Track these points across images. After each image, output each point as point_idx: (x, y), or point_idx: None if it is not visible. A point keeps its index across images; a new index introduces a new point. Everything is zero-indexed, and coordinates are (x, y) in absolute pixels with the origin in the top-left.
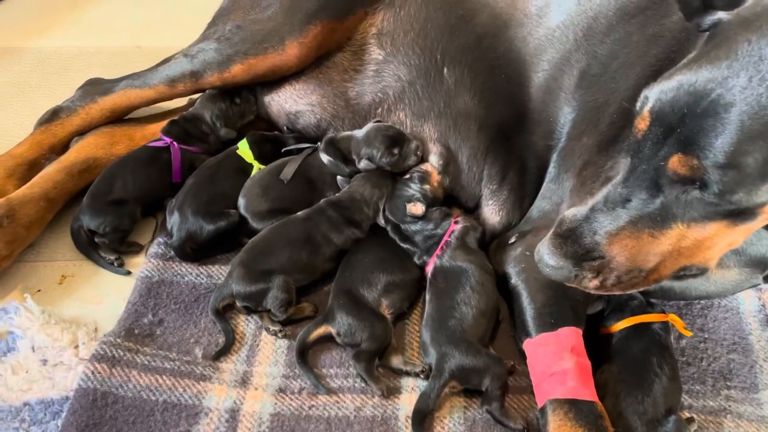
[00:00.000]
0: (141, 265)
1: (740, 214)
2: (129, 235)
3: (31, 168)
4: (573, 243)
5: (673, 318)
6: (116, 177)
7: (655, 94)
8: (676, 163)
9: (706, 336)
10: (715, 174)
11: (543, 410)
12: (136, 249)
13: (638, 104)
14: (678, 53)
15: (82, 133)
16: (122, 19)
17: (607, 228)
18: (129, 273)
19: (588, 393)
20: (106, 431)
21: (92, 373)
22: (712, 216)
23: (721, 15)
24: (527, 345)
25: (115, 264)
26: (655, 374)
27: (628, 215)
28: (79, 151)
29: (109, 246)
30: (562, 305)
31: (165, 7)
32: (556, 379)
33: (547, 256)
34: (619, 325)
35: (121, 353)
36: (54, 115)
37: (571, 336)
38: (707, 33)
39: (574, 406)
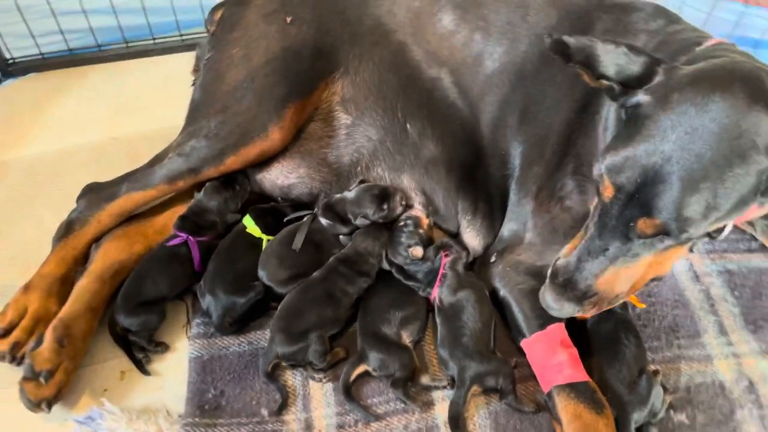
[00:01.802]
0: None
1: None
2: (155, 332)
3: (63, 283)
4: (571, 290)
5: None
6: (145, 278)
7: (609, 168)
8: (643, 226)
9: (653, 300)
10: (672, 225)
11: (550, 394)
12: (163, 349)
13: (596, 174)
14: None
15: (97, 239)
16: (88, 115)
17: (595, 272)
18: (149, 374)
19: (581, 375)
20: None
21: None
22: (671, 247)
23: (640, 97)
24: (524, 344)
25: (143, 361)
26: (624, 346)
27: (608, 260)
28: (104, 259)
29: (138, 344)
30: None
31: (124, 97)
32: (555, 369)
33: (552, 303)
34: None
35: (203, 430)
36: (68, 230)
37: (557, 331)
38: (632, 108)
39: (573, 388)
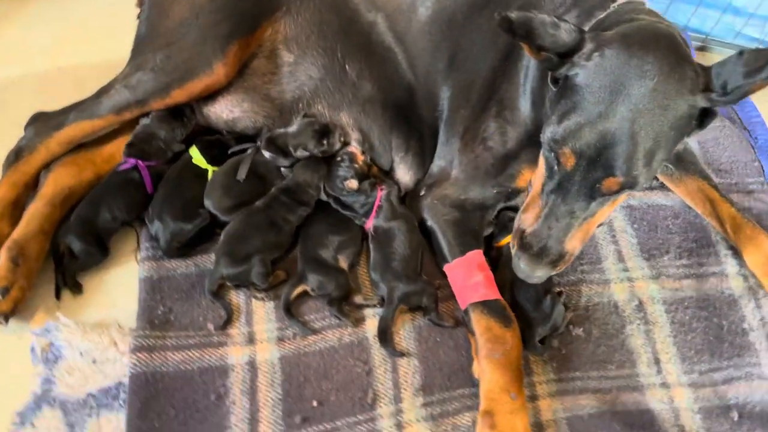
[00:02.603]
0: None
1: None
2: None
3: (14, 207)
4: (546, 256)
5: None
6: (100, 203)
7: (567, 136)
8: (610, 183)
9: None
10: (631, 180)
11: (466, 311)
12: (77, 290)
13: (549, 144)
14: None
15: (47, 166)
16: (32, 43)
17: (565, 236)
18: (59, 299)
19: (494, 294)
20: (162, 400)
21: (138, 362)
22: (624, 194)
23: (577, 65)
24: (446, 268)
25: (59, 286)
26: None
27: (575, 222)
28: (54, 184)
29: (66, 269)
30: (466, 235)
31: (68, 26)
32: (471, 289)
33: (530, 272)
34: (505, 240)
35: (153, 341)
36: (18, 156)
37: (476, 256)
38: (570, 77)
39: (486, 305)
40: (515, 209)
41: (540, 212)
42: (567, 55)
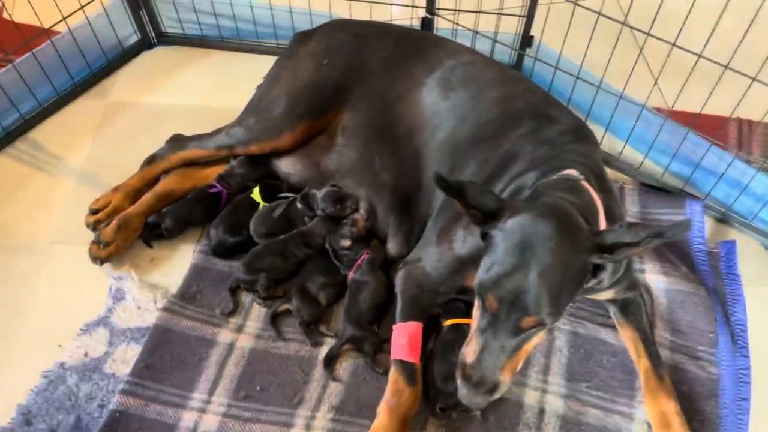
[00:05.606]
0: (190, 256)
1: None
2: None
3: (137, 193)
4: (484, 385)
5: None
6: (193, 206)
7: (489, 286)
8: (529, 321)
9: None
10: (544, 318)
11: (391, 363)
12: (150, 246)
13: (478, 290)
14: (502, 170)
15: (167, 172)
16: (198, 83)
17: (499, 368)
18: (152, 247)
19: (411, 358)
20: (166, 347)
21: (162, 317)
22: (540, 332)
23: (498, 227)
24: (394, 327)
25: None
26: (455, 355)
27: (505, 355)
28: (164, 185)
29: (153, 238)
30: (415, 308)
31: (226, 78)
32: (398, 348)
33: (471, 400)
34: (447, 322)
35: (177, 308)
36: (152, 160)
37: (412, 326)
38: (494, 235)
39: (401, 363)
40: (463, 301)
41: (477, 348)
42: (491, 216)
